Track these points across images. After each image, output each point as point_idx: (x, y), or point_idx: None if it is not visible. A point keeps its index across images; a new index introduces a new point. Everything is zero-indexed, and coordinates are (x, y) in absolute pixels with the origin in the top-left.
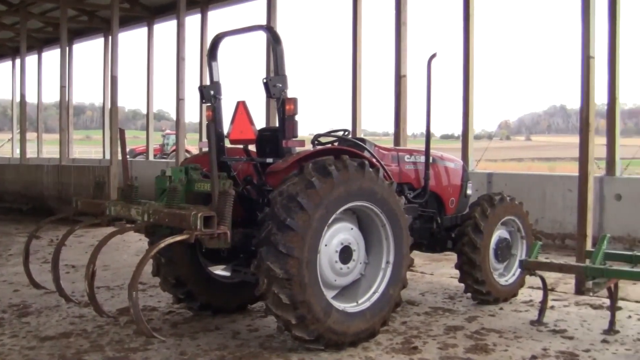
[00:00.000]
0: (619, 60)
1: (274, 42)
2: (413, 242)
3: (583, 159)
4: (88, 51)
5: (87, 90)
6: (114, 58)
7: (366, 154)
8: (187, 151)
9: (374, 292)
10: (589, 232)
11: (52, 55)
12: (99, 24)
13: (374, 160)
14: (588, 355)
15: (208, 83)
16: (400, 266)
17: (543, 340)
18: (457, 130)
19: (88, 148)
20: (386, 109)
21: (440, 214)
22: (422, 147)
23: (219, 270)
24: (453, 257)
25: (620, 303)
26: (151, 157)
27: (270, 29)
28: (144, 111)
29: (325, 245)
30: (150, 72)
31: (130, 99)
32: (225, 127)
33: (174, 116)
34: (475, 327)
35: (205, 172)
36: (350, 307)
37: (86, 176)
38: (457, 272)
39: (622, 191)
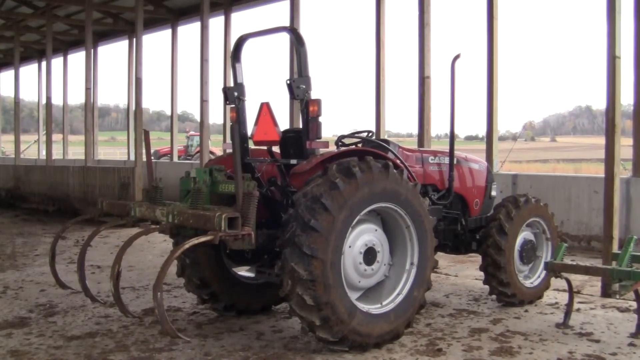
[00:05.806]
0: None
1: (297, 44)
2: (437, 243)
3: (609, 160)
4: (113, 53)
5: (112, 92)
6: (139, 60)
7: (390, 155)
8: (211, 152)
9: (398, 294)
10: (616, 234)
11: (77, 58)
12: (123, 26)
13: (398, 161)
14: (615, 359)
15: (232, 84)
16: (424, 268)
17: (569, 343)
18: (482, 132)
19: (113, 149)
20: (410, 110)
21: (464, 215)
22: (446, 148)
23: (243, 272)
24: (477, 258)
25: None
26: (175, 159)
27: (293, 31)
28: (169, 112)
29: (350, 246)
30: (175, 74)
31: (155, 101)
32: (249, 129)
33: (198, 117)
34: (500, 329)
35: (229, 174)
36: (374, 308)
37: (111, 177)
38: (481, 274)
39: None
